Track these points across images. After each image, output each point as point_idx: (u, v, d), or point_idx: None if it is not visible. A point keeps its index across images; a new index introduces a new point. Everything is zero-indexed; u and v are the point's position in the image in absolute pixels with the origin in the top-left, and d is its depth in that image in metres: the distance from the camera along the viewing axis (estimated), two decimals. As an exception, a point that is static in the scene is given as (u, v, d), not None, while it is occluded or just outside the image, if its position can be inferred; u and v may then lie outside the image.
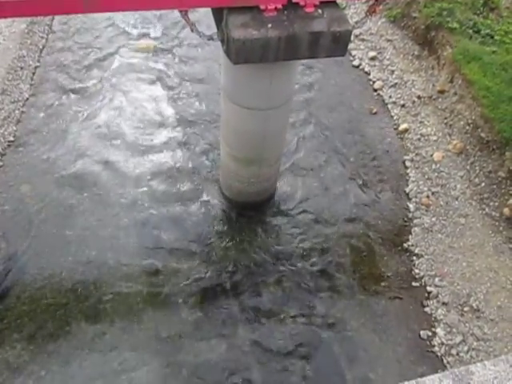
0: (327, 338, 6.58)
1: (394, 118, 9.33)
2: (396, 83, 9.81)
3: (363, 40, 10.71)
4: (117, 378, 6.06)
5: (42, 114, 8.92)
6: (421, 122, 9.06)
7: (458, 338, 6.51)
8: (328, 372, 6.30)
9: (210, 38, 5.51)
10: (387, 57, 10.28)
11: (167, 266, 7.08)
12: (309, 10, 5.07)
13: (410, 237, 7.64)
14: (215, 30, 5.48)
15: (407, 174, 8.48)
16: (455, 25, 9.33)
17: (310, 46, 5.10)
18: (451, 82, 9.00)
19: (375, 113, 9.46)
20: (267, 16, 4.99)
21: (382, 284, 7.15)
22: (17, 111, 8.83)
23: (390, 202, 8.13)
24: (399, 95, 9.61)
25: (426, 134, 8.85)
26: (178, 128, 8.94)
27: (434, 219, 7.74)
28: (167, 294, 6.82)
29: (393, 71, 10.02)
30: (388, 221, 7.89)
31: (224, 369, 6.23)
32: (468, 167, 8.19)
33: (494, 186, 7.76)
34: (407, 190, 8.24)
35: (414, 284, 7.16)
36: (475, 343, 6.45)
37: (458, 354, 6.39)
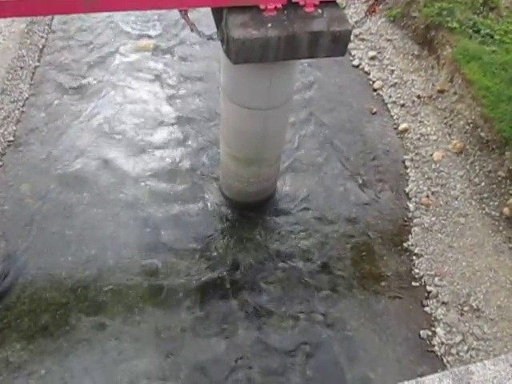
0: (327, 337, 6.58)
1: (394, 117, 9.33)
2: (396, 83, 9.81)
3: (363, 40, 10.71)
4: (118, 378, 6.07)
5: (41, 114, 8.92)
6: (420, 122, 9.07)
7: (458, 338, 6.51)
8: (328, 371, 6.30)
9: (210, 38, 5.51)
10: (387, 56, 10.28)
11: (167, 265, 7.09)
12: (309, 9, 5.07)
13: (410, 236, 7.65)
14: (215, 29, 5.48)
15: (407, 173, 8.48)
16: (455, 24, 9.33)
17: (309, 45, 5.10)
18: (451, 81, 9.01)
19: (375, 112, 9.46)
20: (267, 16, 4.99)
21: (382, 284, 7.16)
22: (16, 111, 8.83)
23: (390, 202, 8.13)
24: (399, 95, 9.62)
25: (426, 134, 8.86)
26: (178, 126, 8.94)
27: (433, 219, 7.74)
28: (167, 292, 6.82)
29: (392, 71, 10.02)
30: (388, 220, 7.90)
31: (223, 368, 6.23)
32: (468, 167, 8.19)
33: (494, 186, 7.76)
34: (407, 189, 8.25)
35: (413, 284, 7.16)
36: (475, 343, 6.46)
37: (457, 354, 6.40)
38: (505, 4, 9.94)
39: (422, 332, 6.67)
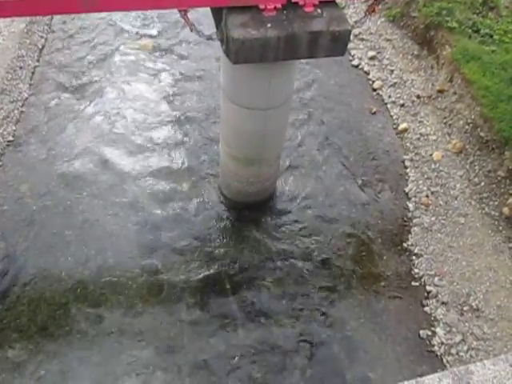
0: (327, 337, 6.58)
1: (394, 117, 9.33)
2: (395, 83, 9.81)
3: (362, 39, 10.71)
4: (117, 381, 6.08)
5: (41, 114, 8.92)
6: (420, 122, 9.07)
7: (458, 338, 6.51)
8: (327, 371, 6.30)
9: (210, 38, 5.51)
10: (386, 56, 10.29)
11: (167, 265, 7.08)
12: (308, 9, 5.07)
13: (410, 236, 7.65)
14: (214, 29, 5.47)
15: (407, 173, 8.48)
16: (454, 24, 9.34)
17: (309, 45, 5.10)
18: (450, 81, 9.01)
19: (374, 112, 9.46)
20: (266, 16, 4.99)
21: (382, 283, 7.16)
22: (16, 111, 8.83)
23: (390, 202, 8.13)
24: (398, 95, 9.62)
25: (426, 134, 8.86)
26: (177, 124, 8.96)
27: (433, 219, 7.74)
28: (167, 292, 6.82)
29: (392, 71, 10.02)
30: (387, 220, 7.90)
31: (223, 367, 6.23)
32: (467, 167, 8.19)
33: (494, 186, 7.76)
34: (407, 189, 8.25)
35: (413, 283, 7.16)
36: (475, 342, 6.46)
37: (457, 354, 6.40)
38: (504, 4, 9.94)
39: (421, 332, 6.67)
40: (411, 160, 8.61)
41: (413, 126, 9.06)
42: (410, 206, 7.99)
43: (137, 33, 10.77)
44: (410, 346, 6.58)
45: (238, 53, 5.01)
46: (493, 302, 6.78)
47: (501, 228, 7.46)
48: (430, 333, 6.66)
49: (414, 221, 7.79)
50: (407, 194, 8.19)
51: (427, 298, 6.98)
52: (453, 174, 8.21)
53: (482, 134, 8.09)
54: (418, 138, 8.85)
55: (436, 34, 9.54)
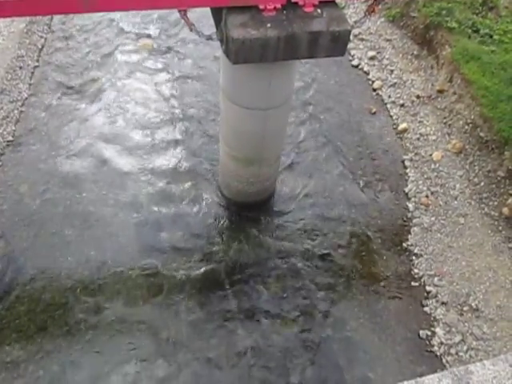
0: (326, 337, 6.58)
1: (393, 117, 9.33)
2: (395, 83, 9.81)
3: (362, 40, 10.71)
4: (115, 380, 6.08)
5: (41, 114, 8.91)
6: (420, 122, 9.07)
7: (458, 338, 6.51)
8: (327, 371, 6.30)
9: (209, 38, 5.51)
10: (386, 56, 10.29)
11: (166, 265, 7.08)
12: (308, 9, 5.07)
13: (410, 236, 7.65)
14: (214, 29, 5.47)
15: (406, 173, 8.48)
16: (454, 24, 9.34)
17: (309, 45, 5.10)
18: (450, 81, 9.01)
19: (374, 112, 9.46)
20: (266, 16, 4.99)
21: (382, 284, 7.16)
22: (16, 111, 8.82)
23: (390, 202, 8.13)
24: (398, 95, 9.62)
25: (425, 134, 8.86)
26: (177, 124, 8.95)
27: (433, 219, 7.74)
28: (167, 292, 6.82)
29: (392, 71, 10.02)
30: (387, 220, 7.90)
31: (224, 366, 6.24)
32: (467, 167, 8.19)
33: (493, 186, 7.76)
34: (406, 189, 8.25)
35: (413, 284, 7.16)
36: (474, 343, 6.46)
37: (457, 354, 6.40)
38: (504, 4, 9.94)
39: (421, 332, 6.67)
40: (411, 160, 8.61)
41: (412, 126, 9.06)
42: (410, 206, 7.99)
43: (137, 33, 10.76)
44: (410, 346, 6.58)
45: (238, 53, 5.01)
46: (492, 302, 6.78)
47: (500, 228, 7.46)
48: (429, 333, 6.66)
49: (414, 221, 7.79)
50: (407, 194, 8.19)
51: (427, 298, 6.98)
52: (452, 174, 8.21)
53: (481, 134, 8.09)
54: (418, 138, 8.85)
55: (436, 34, 9.54)
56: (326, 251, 7.44)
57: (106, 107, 9.18)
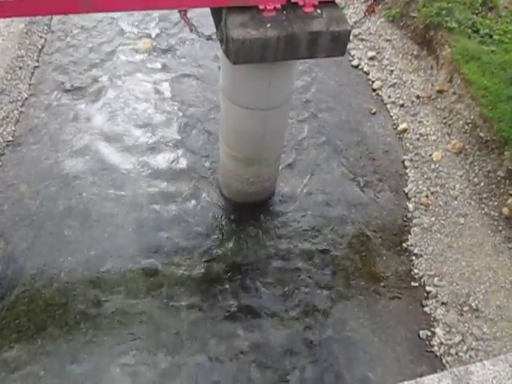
0: (326, 337, 6.58)
1: (393, 117, 9.33)
2: (395, 83, 9.81)
3: (362, 40, 10.71)
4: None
5: (41, 114, 8.91)
6: (420, 122, 9.07)
7: (457, 338, 6.51)
8: (327, 371, 6.30)
9: (209, 38, 5.51)
10: (386, 56, 10.29)
11: (166, 266, 7.08)
12: (308, 9, 5.07)
13: (410, 236, 7.65)
14: (214, 29, 5.47)
15: (406, 173, 8.48)
16: (454, 24, 9.34)
17: (309, 45, 5.10)
18: (450, 81, 9.01)
19: (374, 113, 9.46)
20: (266, 16, 4.99)
21: (382, 284, 7.16)
22: (16, 111, 8.82)
23: (390, 202, 8.13)
24: (398, 95, 9.62)
25: (425, 134, 8.86)
26: (177, 123, 8.94)
27: (433, 219, 7.74)
28: (167, 291, 6.82)
29: (392, 71, 10.02)
30: (387, 220, 7.90)
31: (224, 366, 6.24)
32: (467, 167, 8.19)
33: (493, 186, 7.76)
34: (406, 189, 8.25)
35: (413, 284, 7.16)
36: (474, 343, 6.46)
37: (457, 354, 6.40)
38: (503, 4, 9.94)
39: (421, 332, 6.67)
40: (411, 160, 8.61)
41: (412, 126, 9.06)
42: (410, 206, 7.99)
43: (137, 33, 10.76)
44: (410, 346, 6.58)
45: (238, 53, 5.01)
46: (492, 302, 6.78)
47: (500, 228, 7.46)
48: (429, 333, 6.66)
49: (414, 221, 7.79)
50: (407, 194, 8.19)
51: (427, 298, 6.98)
52: (452, 174, 8.21)
53: (481, 134, 8.09)
54: (418, 139, 8.85)
55: (435, 34, 9.54)
56: (325, 251, 7.44)
57: (106, 107, 9.17)
